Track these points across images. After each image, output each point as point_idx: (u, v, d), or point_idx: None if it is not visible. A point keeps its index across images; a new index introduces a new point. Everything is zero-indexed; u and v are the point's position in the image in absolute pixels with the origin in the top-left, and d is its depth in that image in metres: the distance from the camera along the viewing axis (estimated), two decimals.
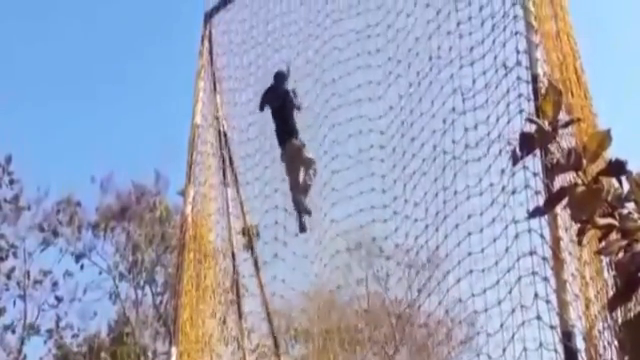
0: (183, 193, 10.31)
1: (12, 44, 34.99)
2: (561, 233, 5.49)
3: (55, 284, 24.88)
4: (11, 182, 24.44)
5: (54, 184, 28.60)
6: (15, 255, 24.48)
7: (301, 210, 9.61)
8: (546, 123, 2.60)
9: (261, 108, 10.13)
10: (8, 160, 24.31)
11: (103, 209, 25.99)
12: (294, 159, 9.79)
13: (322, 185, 9.51)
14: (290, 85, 10.02)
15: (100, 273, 25.65)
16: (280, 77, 10.02)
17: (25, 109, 34.93)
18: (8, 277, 24.29)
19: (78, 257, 25.38)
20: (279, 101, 9.93)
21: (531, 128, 2.64)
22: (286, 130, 9.82)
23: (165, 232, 25.12)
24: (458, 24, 7.34)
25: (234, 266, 10.24)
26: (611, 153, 2.61)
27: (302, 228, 9.63)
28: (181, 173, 10.21)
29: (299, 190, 9.65)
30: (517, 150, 2.62)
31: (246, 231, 10.40)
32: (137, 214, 25.69)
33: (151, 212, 25.58)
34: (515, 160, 2.66)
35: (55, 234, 25.22)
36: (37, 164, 30.10)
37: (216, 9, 10.72)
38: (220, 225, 10.23)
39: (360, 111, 8.91)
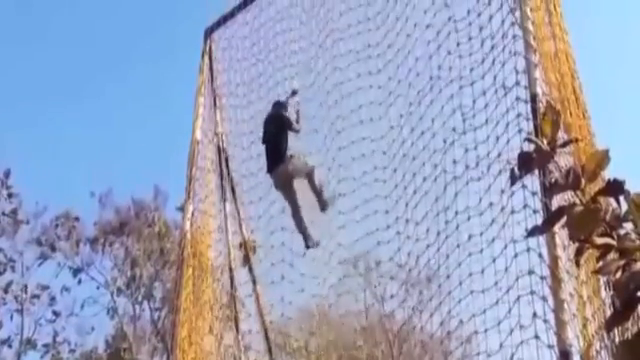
0: (182, 209, 10.30)
1: (11, 61, 35.16)
2: (559, 252, 5.51)
3: (53, 299, 24.88)
4: (10, 196, 24.49)
5: (53, 198, 28.66)
6: (13, 269, 24.49)
7: (304, 232, 9.59)
8: (545, 142, 2.62)
9: (264, 139, 9.97)
10: (7, 174, 24.37)
11: (102, 224, 26.01)
12: (287, 184, 9.67)
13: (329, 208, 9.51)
14: (294, 107, 9.98)
15: (98, 288, 25.68)
16: (277, 105, 9.99)
17: (24, 123, 35.08)
18: (5, 291, 24.27)
19: (76, 272, 25.38)
20: (273, 126, 9.86)
21: (530, 147, 2.66)
22: (276, 156, 9.66)
23: (164, 247, 25.12)
24: (458, 44, 7.38)
25: (232, 282, 10.23)
26: (609, 173, 2.63)
27: (308, 245, 9.61)
28: (180, 189, 10.24)
29: (302, 219, 9.61)
30: (516, 169, 2.63)
31: (243, 245, 10.38)
32: (136, 229, 25.70)
33: (150, 227, 25.60)
34: (514, 179, 2.68)
35: (53, 248, 25.23)
36: (36, 178, 30.17)
37: (216, 25, 10.75)
38: (220, 242, 10.22)
39: (363, 133, 8.92)
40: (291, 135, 9.86)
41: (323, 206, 9.61)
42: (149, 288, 25.54)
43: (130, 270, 25.46)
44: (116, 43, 38.44)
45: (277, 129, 9.81)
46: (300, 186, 9.76)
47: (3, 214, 24.52)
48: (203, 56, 10.71)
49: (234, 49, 10.69)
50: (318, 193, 9.59)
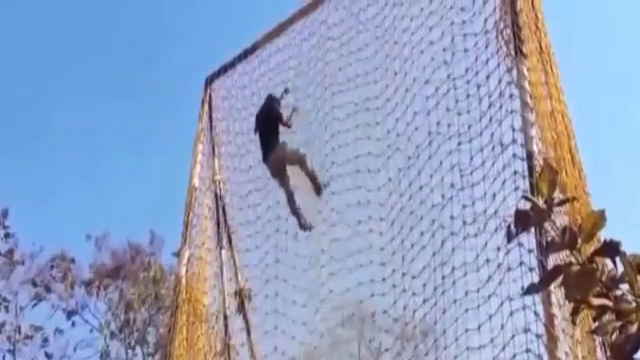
0: (178, 254, 10.29)
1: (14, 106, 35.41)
2: (555, 311, 5.50)
3: (45, 340, 24.67)
4: (6, 236, 24.47)
5: (49, 240, 28.52)
6: (7, 309, 24.35)
7: (297, 214, 9.66)
8: (541, 201, 2.64)
9: (256, 130, 10.21)
10: (4, 214, 24.37)
11: (97, 266, 25.91)
12: (281, 168, 9.84)
13: (320, 252, 9.48)
14: (289, 106, 10.09)
15: (91, 331, 25.48)
16: (269, 99, 10.15)
17: (23, 164, 35.12)
18: None
19: (70, 314, 25.22)
20: (265, 117, 10.06)
21: (526, 205, 2.69)
22: (269, 144, 9.89)
23: (158, 292, 24.99)
24: (456, 101, 7.47)
25: (227, 330, 10.15)
26: (605, 233, 2.65)
27: (301, 226, 9.66)
28: (177, 234, 10.22)
29: (295, 202, 9.74)
30: (512, 227, 2.66)
31: (238, 293, 10.33)
32: (131, 273, 25.59)
33: (145, 272, 25.51)
34: (510, 237, 2.70)
35: (48, 290, 25.10)
36: (33, 219, 30.08)
37: (216, 74, 10.90)
38: (215, 289, 10.18)
39: (358, 182, 8.96)
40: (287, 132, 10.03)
41: (318, 190, 9.65)
42: (143, 333, 25.31)
43: (124, 314, 25.27)
44: (114, 88, 38.72)
45: (269, 120, 10.00)
46: (294, 172, 9.85)
47: None
48: (203, 104, 10.82)
49: (234, 98, 10.81)
50: (312, 178, 9.68)
